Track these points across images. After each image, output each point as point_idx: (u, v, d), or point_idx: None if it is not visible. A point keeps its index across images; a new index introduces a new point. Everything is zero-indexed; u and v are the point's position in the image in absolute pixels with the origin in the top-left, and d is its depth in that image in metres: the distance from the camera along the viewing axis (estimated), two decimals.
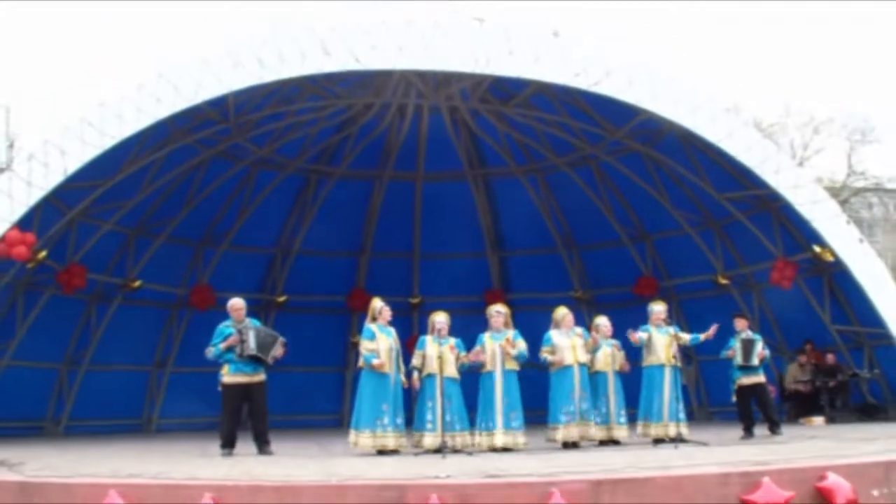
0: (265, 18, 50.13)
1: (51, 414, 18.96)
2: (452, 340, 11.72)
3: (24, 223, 14.15)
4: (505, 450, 11.47)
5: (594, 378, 12.84)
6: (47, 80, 49.85)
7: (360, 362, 11.62)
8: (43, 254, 15.97)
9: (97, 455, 11.51)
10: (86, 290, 18.31)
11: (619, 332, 13.25)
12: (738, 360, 13.30)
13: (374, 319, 11.78)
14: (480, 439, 11.72)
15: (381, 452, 11.15)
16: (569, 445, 11.96)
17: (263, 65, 14.58)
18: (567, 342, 12.17)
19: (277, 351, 11.59)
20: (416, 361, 11.68)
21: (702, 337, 13.02)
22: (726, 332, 13.64)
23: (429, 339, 11.71)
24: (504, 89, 18.83)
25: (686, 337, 13.01)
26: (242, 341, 11.33)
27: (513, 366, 11.94)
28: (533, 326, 12.71)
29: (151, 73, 14.56)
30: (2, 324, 16.77)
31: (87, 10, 52.79)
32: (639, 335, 12.74)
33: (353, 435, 11.39)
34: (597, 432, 12.64)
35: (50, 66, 50.58)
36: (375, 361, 11.37)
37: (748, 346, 13.33)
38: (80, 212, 16.81)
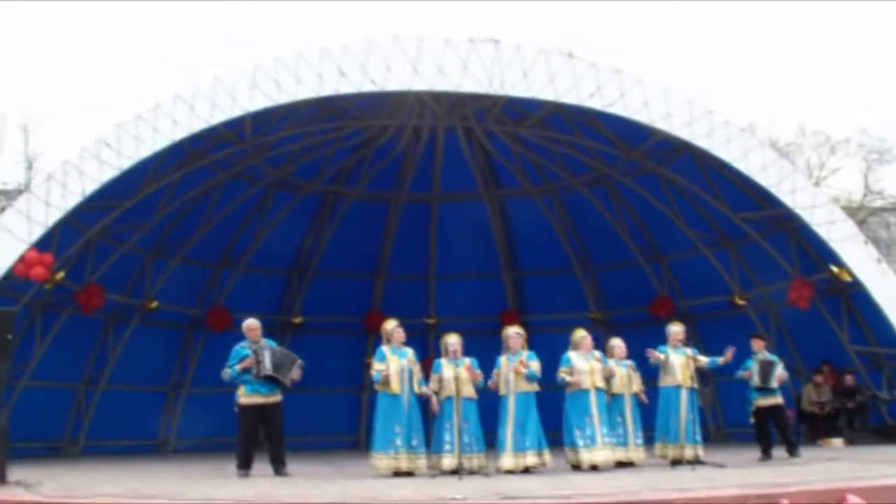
0: (281, 40, 50.33)
1: (68, 434, 19.00)
2: (468, 360, 11.69)
3: (42, 244, 14.24)
4: (525, 470, 11.42)
5: (611, 400, 12.81)
6: (65, 101, 50.15)
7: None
8: (61, 274, 16.06)
9: (114, 476, 11.52)
10: (103, 310, 18.39)
11: (634, 353, 13.21)
12: (756, 381, 13.22)
13: (388, 341, 11.78)
14: (496, 461, 11.67)
15: (397, 474, 11.12)
16: (585, 469, 11.91)
17: (280, 86, 14.67)
18: (586, 366, 12.11)
19: (295, 373, 11.59)
20: (433, 385, 11.64)
21: (720, 360, 12.94)
22: (743, 353, 13.58)
23: (444, 362, 11.68)
24: (519, 110, 18.86)
25: (704, 360, 12.93)
26: (258, 362, 11.33)
27: (528, 387, 11.89)
28: (549, 347, 12.67)
29: (168, 94, 14.67)
30: (20, 344, 16.80)
31: (104, 30, 53.15)
32: (658, 354, 12.69)
33: (371, 456, 11.40)
34: (614, 455, 12.61)
35: (68, 88, 50.89)
36: (379, 376, 11.39)
37: (766, 368, 13.25)
38: (97, 232, 16.90)
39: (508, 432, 11.71)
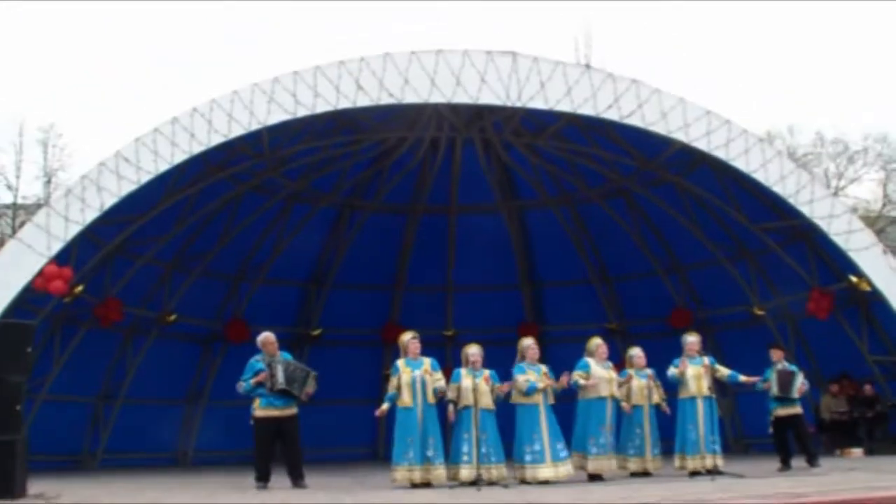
0: (281, 40, 50.48)
1: (87, 448, 19.07)
2: (487, 372, 11.68)
3: (61, 258, 14.33)
4: (545, 483, 11.40)
5: (630, 410, 12.80)
6: (78, 96, 50.41)
7: None
8: (80, 288, 16.14)
9: (133, 488, 11.55)
10: (122, 323, 18.47)
11: (653, 364, 13.20)
12: (775, 391, 13.15)
13: (404, 354, 11.81)
14: (522, 472, 11.64)
15: (416, 485, 11.12)
16: (595, 477, 11.89)
17: (297, 100, 14.74)
18: (605, 373, 12.12)
19: (310, 387, 11.60)
20: (451, 394, 11.61)
21: (741, 379, 12.87)
22: (761, 364, 13.54)
23: (463, 372, 11.68)
24: (536, 121, 18.87)
25: (725, 372, 12.82)
26: (272, 376, 11.35)
27: (552, 400, 11.91)
28: (567, 358, 12.65)
29: (185, 108, 14.74)
30: (39, 358, 16.86)
31: (104, 30, 53.42)
32: (678, 370, 12.64)
33: (391, 469, 11.42)
34: (629, 464, 12.60)
35: (81, 83, 51.14)
36: (384, 407, 11.65)
37: (786, 378, 13.18)
38: (116, 246, 16.98)
39: (546, 444, 11.65)
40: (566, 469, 11.66)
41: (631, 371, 13.02)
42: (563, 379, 11.85)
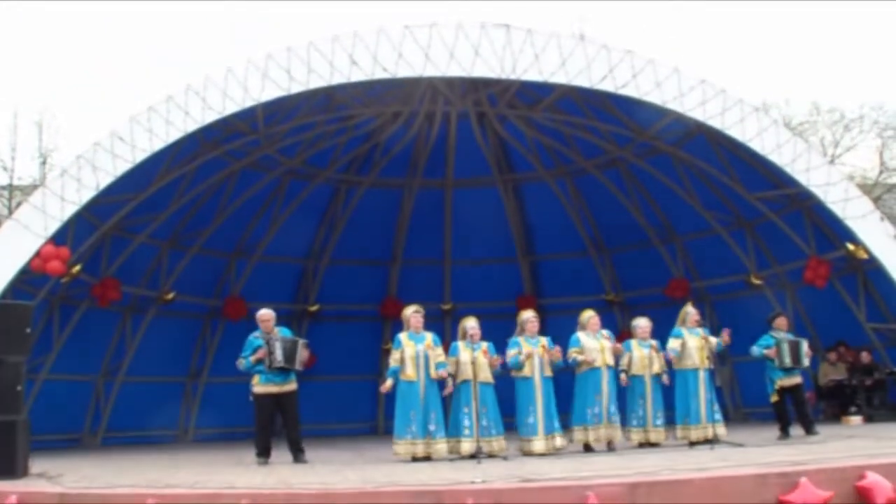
0: (292, 27, 50.29)
1: (88, 426, 19.12)
2: (485, 344, 11.71)
3: (58, 238, 14.31)
4: (542, 455, 11.44)
5: (631, 381, 12.83)
6: (78, 96, 50.26)
7: None
8: (77, 268, 16.13)
9: (134, 466, 11.59)
10: (120, 302, 18.48)
11: (652, 335, 13.24)
12: (787, 361, 13.09)
13: (407, 328, 11.83)
14: (521, 444, 11.70)
15: (416, 459, 11.16)
16: (591, 448, 11.94)
17: (291, 76, 14.68)
18: (595, 344, 12.16)
19: (303, 355, 11.65)
20: (450, 368, 11.65)
21: (723, 342, 12.89)
22: (758, 331, 13.57)
23: (461, 345, 11.70)
24: (531, 94, 18.82)
25: (713, 342, 12.86)
26: (270, 353, 11.39)
27: (549, 372, 11.94)
28: (565, 330, 12.69)
29: (179, 86, 14.69)
30: (39, 338, 16.87)
31: (104, 30, 53.19)
32: (671, 351, 12.70)
33: (393, 442, 11.47)
34: (632, 435, 12.66)
35: (80, 83, 50.99)
36: (388, 383, 11.61)
37: (795, 348, 13.19)
38: (112, 225, 16.95)
39: (540, 416, 11.70)
40: (561, 442, 11.71)
41: (633, 342, 13.04)
42: (554, 352, 11.89)
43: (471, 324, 11.84)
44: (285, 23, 52.79)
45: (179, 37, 54.09)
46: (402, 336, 11.70)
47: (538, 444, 11.57)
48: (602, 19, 49.00)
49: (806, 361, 13.20)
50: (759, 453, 9.87)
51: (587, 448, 11.96)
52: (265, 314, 11.84)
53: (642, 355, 12.91)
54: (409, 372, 11.45)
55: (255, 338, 11.67)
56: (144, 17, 50.67)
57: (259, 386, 11.55)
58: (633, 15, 50.87)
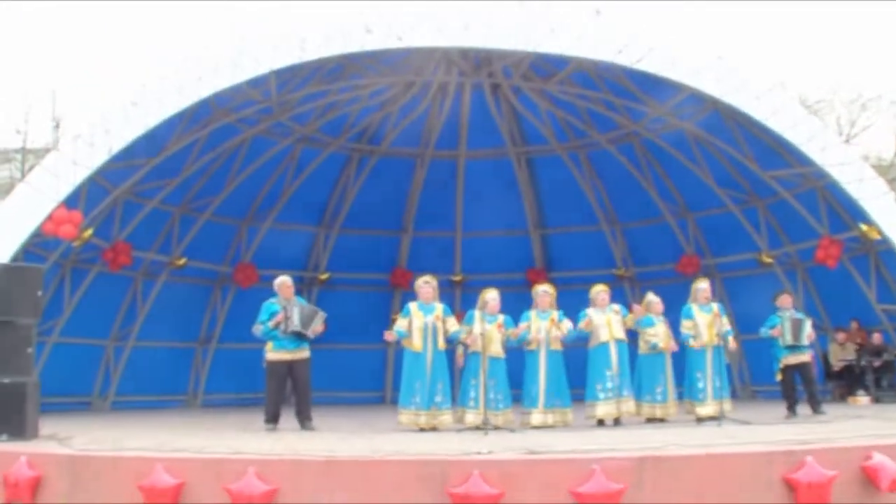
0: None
1: (98, 390, 19.20)
2: (501, 318, 11.74)
3: (70, 202, 14.33)
4: (547, 427, 11.48)
5: (650, 358, 12.87)
6: (92, 61, 50.18)
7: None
8: (89, 232, 16.16)
9: (144, 430, 11.65)
10: (132, 267, 18.53)
11: (663, 311, 13.27)
12: (788, 339, 13.12)
13: (419, 297, 11.84)
14: (524, 417, 11.75)
15: (423, 429, 11.19)
16: (605, 423, 11.97)
17: (305, 43, 14.63)
18: (602, 319, 12.16)
19: (318, 326, 11.68)
20: (463, 336, 11.65)
21: (731, 341, 12.88)
22: (767, 311, 13.56)
23: (477, 315, 11.68)
24: (546, 66, 18.73)
25: (725, 322, 12.84)
26: (287, 318, 11.44)
27: (557, 346, 11.96)
28: (575, 304, 12.72)
29: (192, 53, 14.66)
30: (50, 301, 16.93)
31: (104, 29, 52.95)
32: (687, 337, 12.75)
33: (398, 412, 11.50)
34: (652, 411, 12.69)
35: (94, 48, 50.89)
36: (389, 334, 11.70)
37: (798, 326, 13.19)
38: (125, 190, 16.98)
39: (541, 389, 11.75)
40: (562, 417, 11.75)
41: (652, 316, 13.07)
42: (563, 325, 11.93)
43: (492, 295, 11.87)
44: (285, 24, 52.46)
45: (180, 37, 53.81)
46: (412, 305, 11.71)
47: (536, 417, 11.63)
48: None
49: (806, 340, 13.18)
50: (766, 431, 9.88)
51: (600, 423, 11.99)
52: (286, 281, 11.91)
53: (665, 332, 12.99)
54: (416, 342, 11.46)
55: (272, 303, 11.72)
56: (145, 18, 50.45)
57: (272, 352, 11.60)
58: None
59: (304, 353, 11.67)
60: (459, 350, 11.67)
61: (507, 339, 11.76)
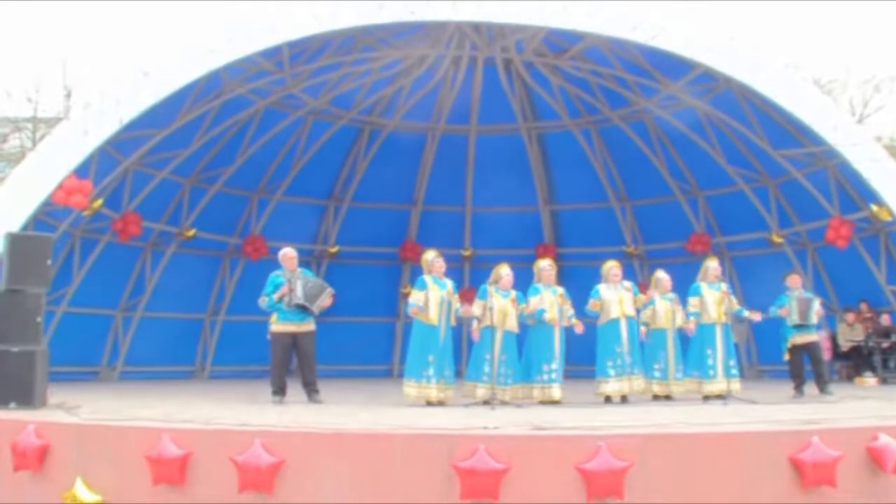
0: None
1: (106, 360, 19.29)
2: (514, 293, 11.73)
3: (80, 171, 14.34)
4: (556, 403, 11.49)
5: (653, 334, 12.88)
6: (104, 30, 50.09)
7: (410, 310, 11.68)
8: (99, 202, 16.21)
9: (151, 400, 11.69)
10: (141, 237, 18.57)
11: (672, 288, 13.26)
12: (795, 318, 13.10)
13: (429, 272, 11.78)
14: (535, 391, 11.74)
15: (429, 403, 11.20)
16: (611, 399, 11.97)
17: (318, 16, 14.58)
18: (614, 296, 12.14)
19: (325, 301, 11.67)
20: (476, 311, 11.62)
21: (745, 314, 12.91)
22: (777, 291, 13.54)
23: (491, 290, 11.63)
24: (559, 42, 18.65)
25: (735, 306, 12.85)
26: (291, 290, 11.45)
27: (566, 322, 11.98)
28: (585, 280, 12.74)
29: (205, 23, 14.63)
30: (59, 271, 16.98)
31: (121, 47, 52.82)
32: (690, 314, 12.77)
33: (403, 384, 11.49)
34: (650, 387, 12.69)
35: (106, 16, 50.77)
36: (413, 309, 11.45)
37: (805, 305, 13.17)
38: (135, 161, 17.00)
39: (558, 364, 11.76)
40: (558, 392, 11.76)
41: (657, 295, 13.07)
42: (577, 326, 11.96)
43: (506, 270, 11.83)
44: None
45: (179, 36, 53.62)
46: (427, 279, 11.66)
47: (557, 392, 11.63)
48: None
49: (814, 318, 13.17)
50: (772, 410, 9.87)
51: (607, 400, 11.99)
52: (289, 252, 11.91)
53: (666, 308, 12.95)
54: (433, 315, 11.39)
55: (277, 276, 11.73)
56: (145, 18, 50.19)
57: (276, 324, 11.62)
58: None
59: (310, 325, 11.66)
60: (475, 324, 11.64)
61: (521, 314, 11.75)
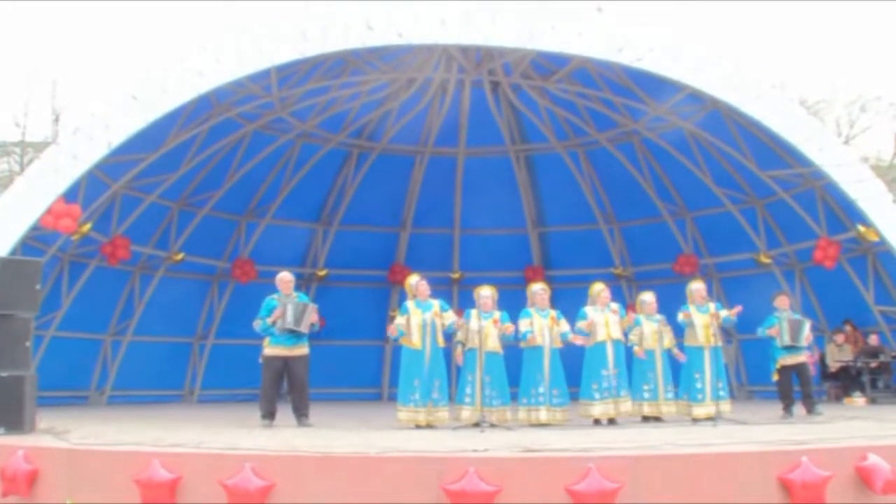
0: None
1: (95, 384, 19.23)
2: (497, 314, 11.72)
3: (69, 195, 14.33)
4: (544, 425, 11.48)
5: (643, 355, 12.89)
6: (93, 54, 50.13)
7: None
8: (88, 226, 16.19)
9: (140, 424, 11.66)
10: (130, 261, 18.55)
11: (659, 309, 13.27)
12: (786, 339, 13.10)
13: (413, 296, 11.82)
14: (522, 414, 11.75)
15: (419, 427, 11.20)
16: (600, 422, 11.96)
17: (306, 38, 14.62)
18: (601, 318, 12.16)
19: (312, 317, 11.66)
20: (460, 335, 11.67)
21: (728, 313, 12.91)
22: (764, 311, 13.56)
23: (473, 313, 11.68)
24: (546, 64, 18.74)
25: (722, 315, 12.87)
26: (283, 314, 11.45)
27: (558, 344, 11.97)
28: (573, 302, 12.72)
29: (194, 47, 14.65)
30: (48, 295, 16.95)
31: (120, 48, 52.88)
32: (687, 313, 12.75)
33: (396, 409, 11.49)
34: (639, 408, 12.68)
35: (95, 41, 50.83)
36: (401, 339, 11.51)
37: (795, 326, 13.19)
38: (124, 184, 17.01)
39: (546, 387, 11.75)
40: (561, 415, 11.75)
41: (642, 316, 13.08)
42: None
43: (483, 293, 11.87)
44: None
45: (180, 37, 53.78)
46: (410, 303, 11.70)
47: (542, 414, 11.63)
48: None
49: (804, 342, 13.19)
50: (762, 431, 9.88)
51: (596, 422, 11.99)
52: (286, 276, 11.95)
53: (652, 329, 12.96)
54: (415, 340, 11.44)
55: (272, 299, 11.73)
56: (146, 18, 50.29)
57: (269, 348, 11.61)
58: None
59: (302, 349, 11.66)
60: (458, 349, 11.66)
61: (503, 335, 11.75)
